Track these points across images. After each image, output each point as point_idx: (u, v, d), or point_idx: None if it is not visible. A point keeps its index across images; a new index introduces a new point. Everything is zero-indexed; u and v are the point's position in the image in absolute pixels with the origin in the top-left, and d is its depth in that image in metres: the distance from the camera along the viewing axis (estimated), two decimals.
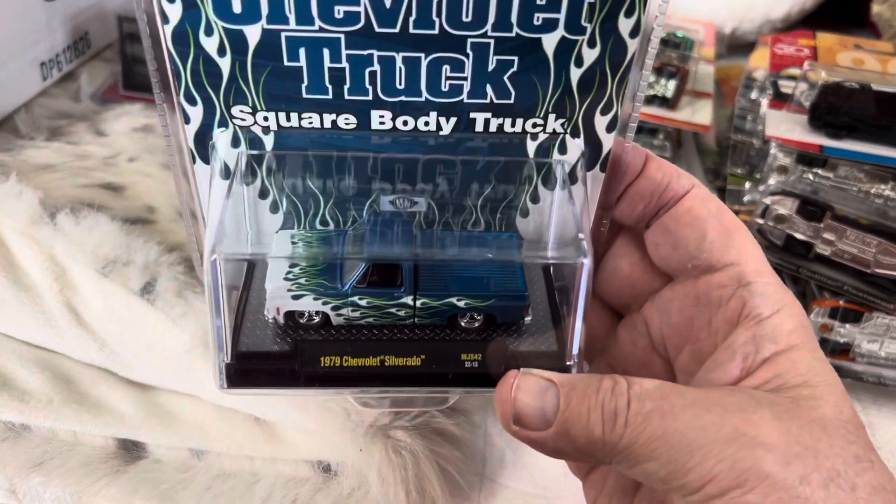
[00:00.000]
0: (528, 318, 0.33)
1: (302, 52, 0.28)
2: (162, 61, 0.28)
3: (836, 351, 0.54)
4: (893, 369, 0.54)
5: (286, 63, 0.28)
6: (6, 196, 0.52)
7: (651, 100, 0.70)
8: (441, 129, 0.31)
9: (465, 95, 0.30)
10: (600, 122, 0.31)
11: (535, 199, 0.34)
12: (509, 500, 0.47)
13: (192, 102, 0.30)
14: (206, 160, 0.32)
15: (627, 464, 0.27)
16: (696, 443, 0.25)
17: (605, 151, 0.32)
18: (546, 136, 0.31)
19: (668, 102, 0.70)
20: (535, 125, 0.31)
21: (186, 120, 0.30)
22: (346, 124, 0.30)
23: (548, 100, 0.30)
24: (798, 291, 0.59)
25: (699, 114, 0.71)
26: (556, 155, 0.32)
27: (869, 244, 0.54)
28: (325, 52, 0.28)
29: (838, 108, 0.58)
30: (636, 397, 0.27)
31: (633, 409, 0.26)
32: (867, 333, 0.54)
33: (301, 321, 0.33)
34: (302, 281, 0.32)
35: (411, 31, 0.28)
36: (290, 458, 0.46)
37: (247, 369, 0.32)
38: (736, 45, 0.95)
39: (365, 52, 0.28)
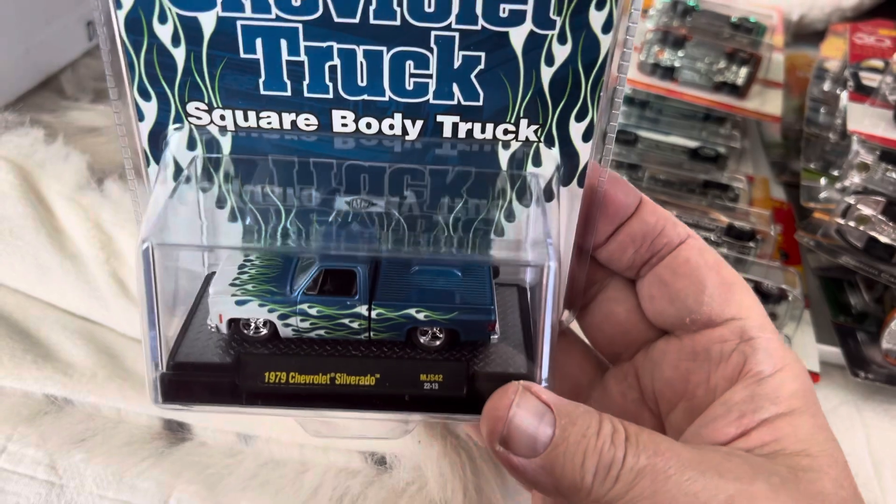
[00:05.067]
0: (494, 337, 0.30)
1: (258, 42, 0.27)
2: (116, 53, 0.27)
3: None
4: None
5: (242, 55, 0.27)
6: (53, 158, 0.50)
7: (720, 87, 0.67)
8: (407, 133, 0.29)
9: (430, 96, 0.28)
10: (575, 129, 0.29)
11: (511, 216, 0.31)
12: None
13: (147, 97, 0.28)
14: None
15: None
16: None
17: (582, 164, 0.29)
18: (518, 144, 0.29)
19: (737, 90, 0.67)
20: (506, 132, 0.29)
21: (140, 117, 0.28)
22: (307, 125, 0.29)
23: (518, 102, 0.28)
24: (875, 297, 0.56)
25: (769, 104, 0.67)
26: (530, 167, 0.30)
27: None
28: (283, 43, 0.27)
29: None
30: (632, 449, 0.25)
31: (627, 464, 0.25)
32: None
33: (247, 332, 0.30)
34: (249, 287, 0.29)
35: (372, 21, 0.26)
36: (343, 447, 0.43)
37: (183, 382, 0.29)
38: (802, 34, 0.90)
39: (324, 45, 0.27)
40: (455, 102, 0.28)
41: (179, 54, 0.27)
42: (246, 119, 0.29)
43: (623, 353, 0.34)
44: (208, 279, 0.33)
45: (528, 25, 0.26)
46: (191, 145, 0.29)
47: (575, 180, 0.30)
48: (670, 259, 0.31)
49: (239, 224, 0.32)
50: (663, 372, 0.31)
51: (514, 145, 0.29)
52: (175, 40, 0.27)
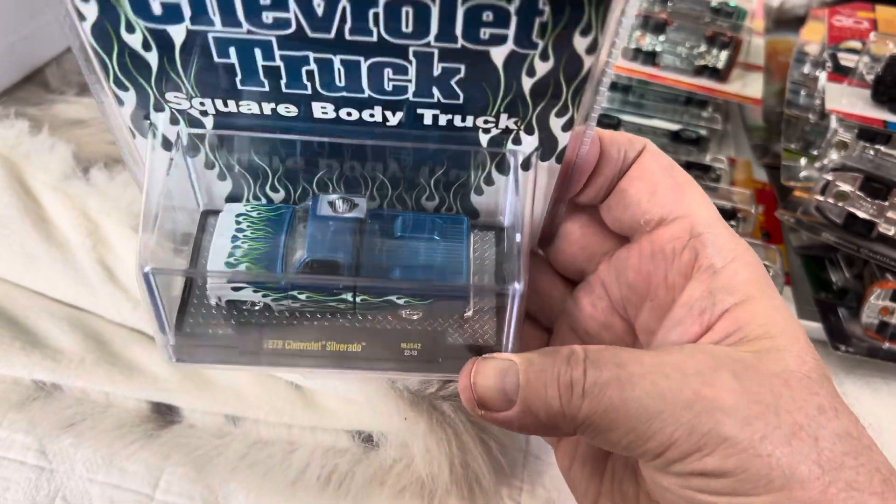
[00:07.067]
0: (468, 313, 0.33)
1: (232, 50, 0.27)
2: (87, 55, 0.27)
3: None
4: None
5: (216, 59, 0.27)
6: (38, 149, 0.50)
7: (700, 70, 0.67)
8: (387, 122, 0.29)
9: (410, 95, 0.28)
10: (555, 122, 0.29)
11: (490, 181, 0.33)
12: (554, 477, 0.45)
13: (124, 89, 0.28)
14: (146, 135, 0.31)
15: (591, 433, 0.27)
16: (655, 410, 0.25)
17: (560, 146, 0.30)
18: (499, 131, 0.30)
19: (718, 74, 0.67)
20: (486, 122, 0.29)
21: (120, 103, 0.29)
22: (287, 113, 0.29)
23: (499, 102, 0.28)
24: (854, 273, 0.57)
25: (750, 87, 0.68)
26: (509, 145, 0.31)
27: None
28: (257, 51, 0.27)
29: None
30: (592, 366, 0.26)
31: (589, 379, 0.26)
32: None
33: (244, 308, 0.32)
34: (242, 268, 0.31)
35: (347, 37, 0.26)
36: (330, 427, 0.44)
37: (191, 348, 0.32)
38: (782, 20, 0.91)
39: (300, 54, 0.27)
40: (434, 100, 0.28)
41: (152, 57, 0.27)
42: (226, 105, 0.29)
43: (587, 268, 0.35)
44: (204, 216, 0.34)
45: (509, 46, 0.26)
46: (174, 121, 0.30)
47: (553, 158, 0.31)
48: (628, 172, 0.32)
49: (229, 182, 0.33)
50: (626, 276, 0.32)
51: (494, 131, 0.30)
52: (146, 46, 0.27)
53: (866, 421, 0.50)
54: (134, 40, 0.26)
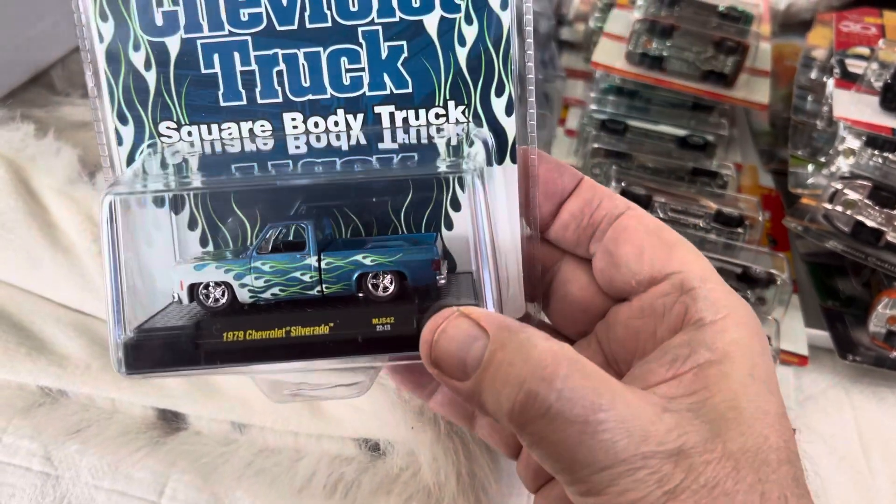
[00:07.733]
0: (441, 279, 0.32)
1: (216, 58, 0.31)
2: (101, 91, 0.31)
3: None
4: None
5: (203, 71, 0.32)
6: (44, 153, 0.50)
7: (707, 76, 0.67)
8: (350, 128, 0.33)
9: (366, 88, 0.32)
10: (498, 105, 0.32)
11: (456, 205, 0.34)
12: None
13: (124, 121, 0.32)
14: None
15: (528, 444, 0.25)
16: (602, 465, 0.24)
17: (510, 139, 0.33)
18: (451, 127, 0.32)
19: (725, 79, 0.67)
20: (437, 115, 0.32)
21: (119, 142, 0.32)
22: (263, 131, 0.33)
23: (443, 84, 0.32)
24: (862, 282, 0.57)
25: (757, 92, 0.68)
26: (465, 149, 0.32)
27: None
28: (236, 55, 0.31)
29: None
30: (570, 394, 0.24)
31: (556, 406, 0.24)
32: None
33: (206, 302, 0.31)
34: (207, 257, 0.32)
35: (308, 26, 0.31)
36: (336, 435, 0.44)
37: (146, 347, 0.30)
38: (788, 24, 0.91)
39: (270, 52, 0.31)
40: (388, 92, 0.32)
41: (151, 77, 0.32)
42: (210, 132, 0.33)
43: (587, 329, 0.34)
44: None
45: (438, 12, 0.31)
46: (163, 166, 0.33)
47: (508, 157, 0.33)
48: (612, 231, 0.32)
49: (210, 247, 0.34)
50: (617, 333, 0.32)
51: (447, 129, 0.32)
52: (147, 65, 0.31)
53: (869, 429, 0.50)
54: (138, 59, 0.31)
